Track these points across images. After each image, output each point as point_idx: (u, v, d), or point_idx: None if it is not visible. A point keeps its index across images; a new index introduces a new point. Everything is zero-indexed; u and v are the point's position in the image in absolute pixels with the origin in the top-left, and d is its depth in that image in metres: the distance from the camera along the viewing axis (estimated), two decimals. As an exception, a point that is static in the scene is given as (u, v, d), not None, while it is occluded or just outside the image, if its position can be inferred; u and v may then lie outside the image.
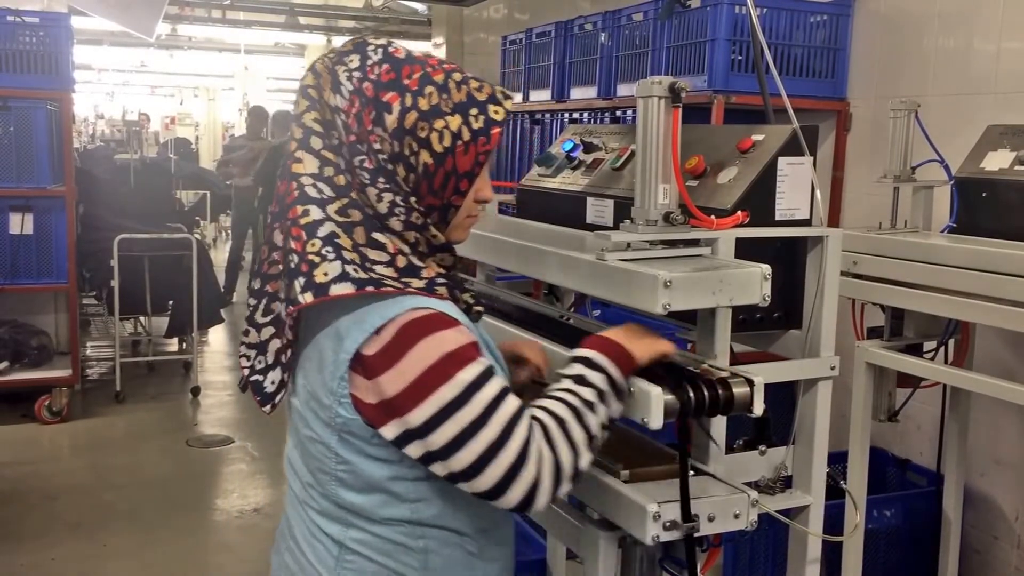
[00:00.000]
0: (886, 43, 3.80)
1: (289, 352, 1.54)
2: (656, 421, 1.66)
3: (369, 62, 1.47)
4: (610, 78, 4.35)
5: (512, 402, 1.42)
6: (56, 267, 5.77)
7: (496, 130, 1.49)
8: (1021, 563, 3.30)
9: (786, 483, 2.09)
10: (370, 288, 1.40)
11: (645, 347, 1.63)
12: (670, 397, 1.68)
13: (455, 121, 1.46)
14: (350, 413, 1.43)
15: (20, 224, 5.63)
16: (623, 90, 4.26)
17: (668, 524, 1.72)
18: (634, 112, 4.14)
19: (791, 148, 2.04)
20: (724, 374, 1.80)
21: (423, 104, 1.44)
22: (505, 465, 1.38)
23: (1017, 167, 2.69)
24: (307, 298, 1.39)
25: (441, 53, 7.45)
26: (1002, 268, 2.49)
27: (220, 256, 10.75)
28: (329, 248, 1.40)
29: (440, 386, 1.37)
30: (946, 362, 2.90)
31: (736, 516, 1.81)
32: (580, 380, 1.53)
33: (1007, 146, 2.73)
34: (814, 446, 2.07)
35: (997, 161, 2.73)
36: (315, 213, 1.42)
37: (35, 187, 5.64)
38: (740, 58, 3.69)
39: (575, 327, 2.28)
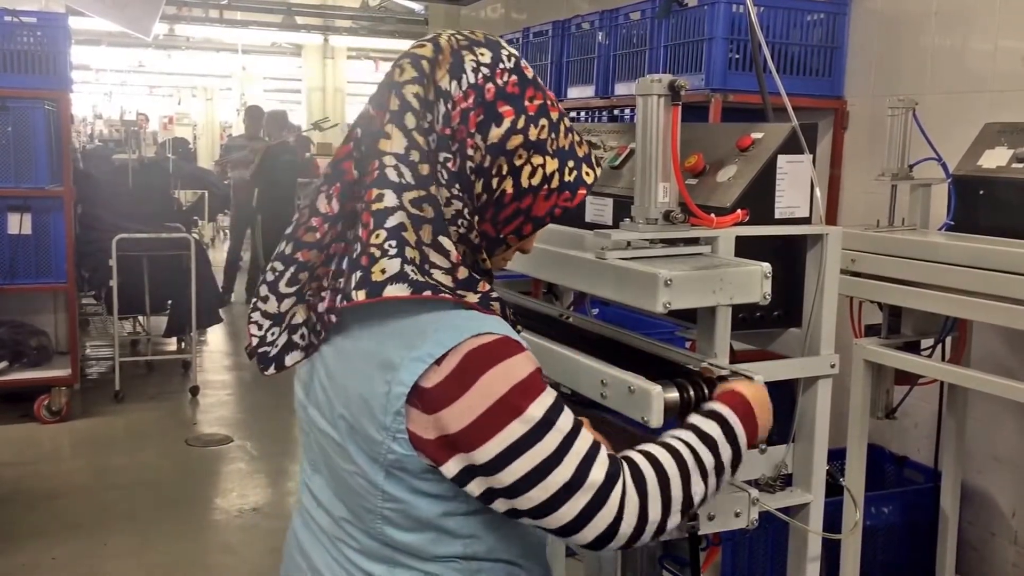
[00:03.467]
0: (883, 42, 3.81)
1: (311, 336, 1.41)
2: (656, 419, 1.67)
3: (500, 65, 1.37)
4: (607, 77, 4.36)
5: (586, 436, 1.31)
6: (55, 267, 5.77)
7: (583, 191, 1.44)
8: (1019, 559, 3.31)
9: (786, 481, 2.09)
10: (427, 293, 1.27)
11: (767, 421, 1.56)
12: (671, 395, 1.70)
13: (552, 164, 1.40)
14: (406, 450, 1.29)
15: (19, 224, 5.64)
16: (620, 89, 4.27)
17: (669, 523, 1.73)
18: (632, 111, 4.22)
19: (790, 146, 2.04)
20: (724, 372, 1.81)
21: (532, 134, 1.37)
22: (581, 504, 1.27)
23: (1015, 165, 2.70)
24: (359, 296, 1.27)
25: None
26: (1000, 266, 2.50)
27: (218, 256, 10.76)
28: (393, 242, 1.27)
29: (511, 422, 1.25)
30: (944, 359, 2.91)
31: (737, 515, 1.83)
32: (708, 440, 1.42)
33: (1004, 144, 2.74)
34: (814, 444, 2.08)
35: (995, 159, 2.74)
36: (389, 200, 1.29)
37: (33, 187, 5.65)
38: (738, 57, 3.70)
39: (574, 326, 2.30)
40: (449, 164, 1.34)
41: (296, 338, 1.41)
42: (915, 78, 3.62)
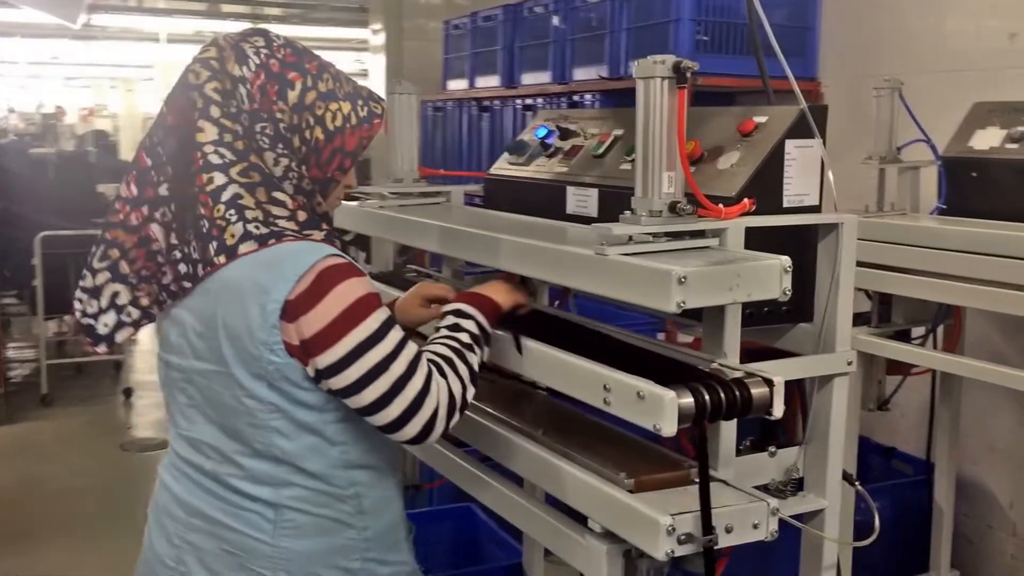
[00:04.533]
0: (857, 21, 3.70)
1: (143, 312, 1.67)
2: (670, 427, 1.55)
3: (274, 44, 1.65)
4: (564, 62, 4.19)
5: (412, 346, 1.60)
6: (-28, 267, 5.46)
7: (378, 121, 1.71)
8: (1018, 551, 3.24)
9: (797, 486, 1.97)
10: (272, 241, 1.55)
11: (505, 297, 1.86)
12: (685, 400, 1.57)
13: (346, 106, 1.67)
14: (283, 358, 1.54)
15: (-68, 224, 5.31)
16: (579, 74, 4.11)
17: (683, 537, 1.60)
18: (595, 97, 4.06)
19: (799, 130, 1.91)
20: (738, 374, 1.68)
21: (322, 87, 1.65)
22: (410, 398, 1.56)
23: (1008, 145, 2.60)
24: (220, 260, 1.54)
25: (380, 40, 7.20)
26: (996, 250, 2.40)
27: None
28: (232, 211, 1.54)
29: (352, 329, 1.53)
30: (935, 347, 2.81)
31: (755, 526, 1.69)
32: (455, 328, 1.75)
33: (996, 123, 2.64)
34: (829, 445, 1.96)
35: (986, 139, 2.64)
36: (219, 179, 1.55)
37: (-54, 185, 5.32)
38: (705, 38, 3.57)
39: (564, 323, 2.13)
40: (268, 131, 1.60)
41: (123, 317, 1.67)
42: (893, 58, 3.51)
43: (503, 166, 2.53)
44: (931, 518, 3.06)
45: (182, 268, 1.60)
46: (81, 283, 1.68)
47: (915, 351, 2.69)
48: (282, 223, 1.57)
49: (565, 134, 2.41)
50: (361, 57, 13.74)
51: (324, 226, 1.64)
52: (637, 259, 1.65)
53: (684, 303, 1.56)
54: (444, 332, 1.74)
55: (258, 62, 1.62)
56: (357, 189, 2.45)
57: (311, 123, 1.63)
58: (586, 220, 2.20)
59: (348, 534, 1.67)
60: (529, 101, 4.41)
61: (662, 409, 1.53)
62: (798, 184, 1.94)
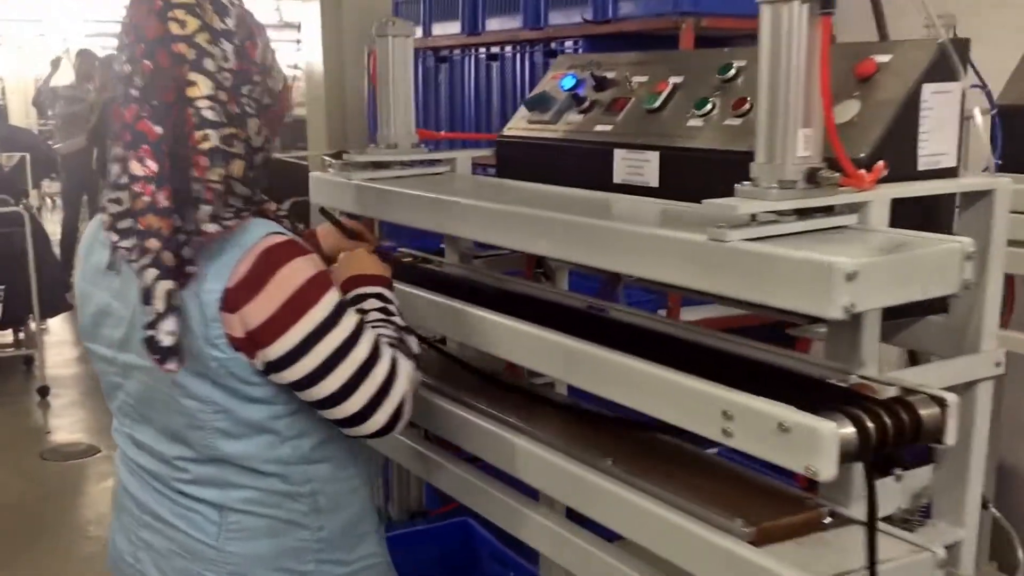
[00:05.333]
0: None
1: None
2: (829, 468, 1.18)
3: None
4: (538, 4, 3.70)
5: (369, 335, 1.44)
6: None
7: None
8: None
9: (924, 513, 1.59)
10: (231, 223, 1.40)
11: (386, 270, 1.67)
12: (846, 431, 1.20)
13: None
14: (227, 353, 1.40)
15: None
16: (557, 18, 3.62)
17: (838, 607, 1.23)
18: (576, 45, 3.60)
19: (938, 71, 1.50)
20: (892, 391, 1.31)
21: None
22: (377, 384, 1.42)
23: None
24: (214, 228, 1.38)
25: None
26: None
27: (51, 229, 9.49)
28: (220, 186, 1.40)
29: (301, 317, 1.38)
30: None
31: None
32: (386, 312, 1.56)
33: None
34: (970, 465, 1.60)
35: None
36: (213, 139, 1.40)
37: None
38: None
39: (628, 326, 1.71)
40: (254, 95, 1.46)
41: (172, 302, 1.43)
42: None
43: (521, 125, 2.09)
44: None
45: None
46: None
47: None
48: (236, 201, 1.43)
49: (601, 84, 1.98)
50: (282, 5, 12.91)
51: (271, 205, 1.54)
52: (773, 247, 1.26)
53: (853, 306, 1.18)
54: (379, 315, 1.55)
55: (237, 13, 1.47)
56: (344, 158, 2.00)
57: (268, 86, 1.51)
58: (642, 191, 1.80)
59: (300, 535, 1.53)
60: (495, 50, 3.92)
61: (819, 446, 1.17)
62: (934, 141, 1.54)
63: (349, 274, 1.61)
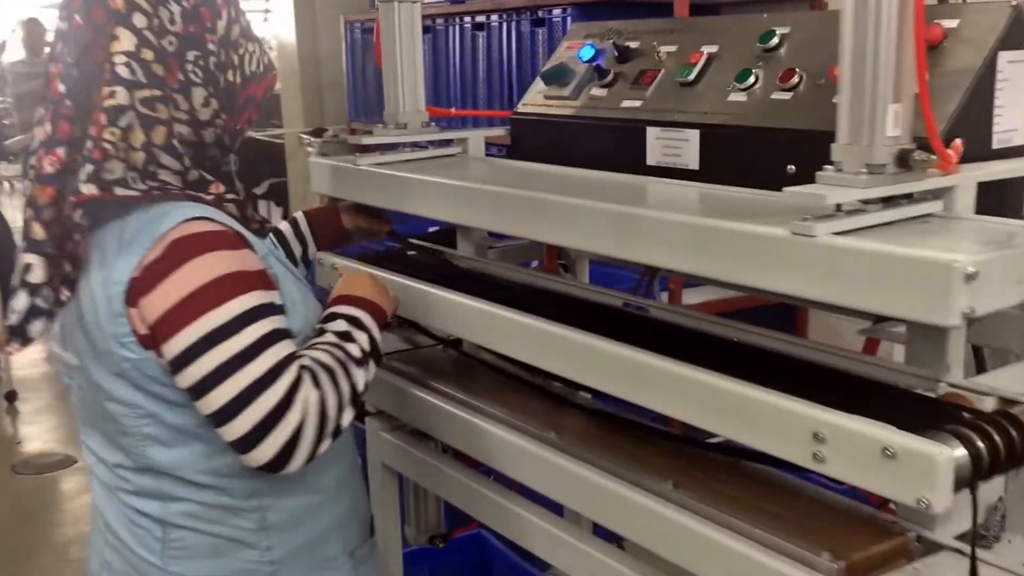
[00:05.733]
0: None
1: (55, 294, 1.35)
2: (945, 500, 1.05)
3: None
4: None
5: (284, 346, 1.29)
6: None
7: (274, 72, 1.51)
8: None
9: (1000, 526, 1.46)
10: (156, 193, 1.30)
11: (389, 306, 1.52)
12: (959, 455, 1.06)
13: (257, 48, 1.46)
14: (137, 353, 1.29)
15: None
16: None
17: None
18: (565, 12, 3.43)
19: (1013, 37, 1.38)
20: (990, 402, 1.17)
21: (243, 19, 1.44)
22: (265, 410, 1.24)
23: None
24: (91, 189, 1.26)
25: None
26: None
27: (11, 216, 9.07)
28: (122, 144, 1.28)
29: (200, 316, 1.24)
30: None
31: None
32: (347, 337, 1.40)
33: None
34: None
35: None
36: (121, 97, 1.29)
37: None
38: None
39: (667, 324, 1.56)
40: (201, 63, 1.36)
41: (38, 300, 1.34)
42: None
43: (537, 101, 1.93)
44: None
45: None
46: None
47: None
48: (166, 176, 1.31)
49: (624, 54, 1.83)
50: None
51: (213, 188, 1.37)
52: (873, 242, 1.12)
53: (973, 311, 1.05)
54: (331, 338, 1.39)
55: None
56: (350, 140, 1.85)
57: (234, 63, 1.42)
58: (680, 174, 1.65)
59: (247, 555, 1.41)
60: (481, 19, 3.74)
61: (934, 475, 1.03)
62: (1009, 116, 1.41)
63: (339, 293, 1.49)
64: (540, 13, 3.45)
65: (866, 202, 1.18)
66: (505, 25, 3.63)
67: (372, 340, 1.43)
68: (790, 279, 1.17)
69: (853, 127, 1.18)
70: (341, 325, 1.41)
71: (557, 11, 3.39)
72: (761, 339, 1.45)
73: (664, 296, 2.88)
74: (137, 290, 1.27)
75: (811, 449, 1.12)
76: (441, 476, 1.77)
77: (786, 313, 3.41)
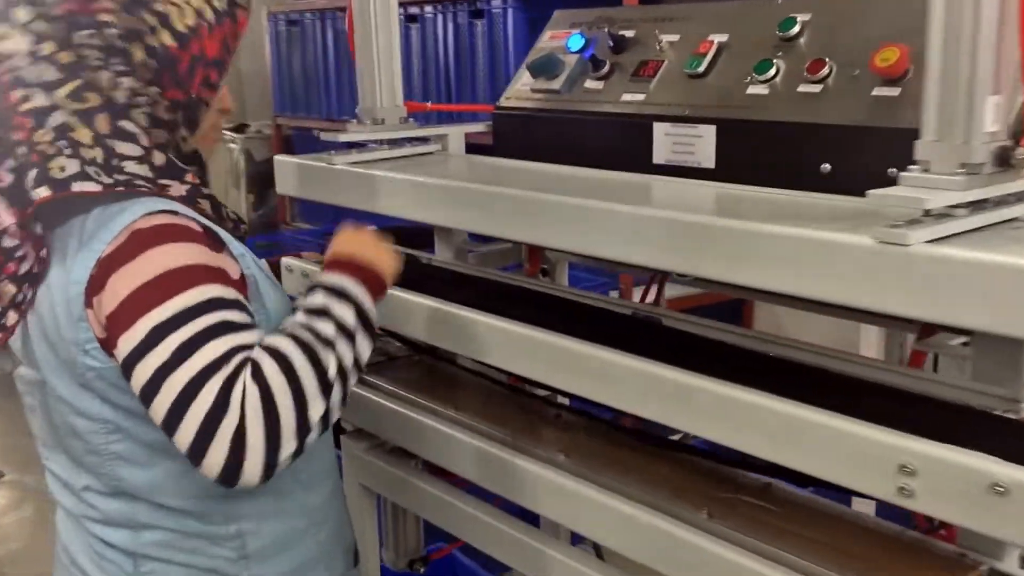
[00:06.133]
0: None
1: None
2: None
3: None
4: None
5: (230, 339, 1.11)
6: None
7: (243, 14, 1.34)
8: None
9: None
10: (120, 189, 1.17)
11: (392, 270, 1.30)
12: None
13: (186, 3, 1.27)
14: (101, 361, 1.18)
15: None
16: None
17: None
18: (507, 1, 3.26)
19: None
20: None
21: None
22: (199, 415, 1.07)
23: None
24: (42, 192, 1.14)
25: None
26: None
27: None
28: (64, 143, 1.16)
29: (148, 311, 1.10)
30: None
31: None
32: (320, 313, 1.19)
33: None
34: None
35: None
36: (38, 100, 1.17)
37: None
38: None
39: (691, 336, 1.42)
40: (95, 41, 1.20)
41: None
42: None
43: (524, 95, 1.75)
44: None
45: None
46: None
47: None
48: (131, 167, 1.18)
49: (620, 44, 1.66)
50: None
51: (189, 177, 1.25)
52: (979, 252, 0.97)
53: None
54: (300, 317, 1.19)
55: None
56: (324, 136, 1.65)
57: (154, 25, 1.24)
58: (693, 173, 1.51)
59: None
60: (413, 10, 3.55)
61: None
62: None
63: (330, 256, 1.28)
64: (479, 4, 3.27)
65: (954, 206, 1.05)
66: (440, 17, 3.44)
67: (360, 313, 1.21)
68: (877, 294, 1.02)
69: (944, 121, 1.03)
70: (318, 299, 1.21)
71: (497, 1, 3.22)
72: (809, 356, 1.31)
73: (615, 295, 2.75)
74: (92, 288, 1.15)
75: (896, 483, 1.00)
76: (425, 496, 1.63)
77: (735, 305, 3.37)
